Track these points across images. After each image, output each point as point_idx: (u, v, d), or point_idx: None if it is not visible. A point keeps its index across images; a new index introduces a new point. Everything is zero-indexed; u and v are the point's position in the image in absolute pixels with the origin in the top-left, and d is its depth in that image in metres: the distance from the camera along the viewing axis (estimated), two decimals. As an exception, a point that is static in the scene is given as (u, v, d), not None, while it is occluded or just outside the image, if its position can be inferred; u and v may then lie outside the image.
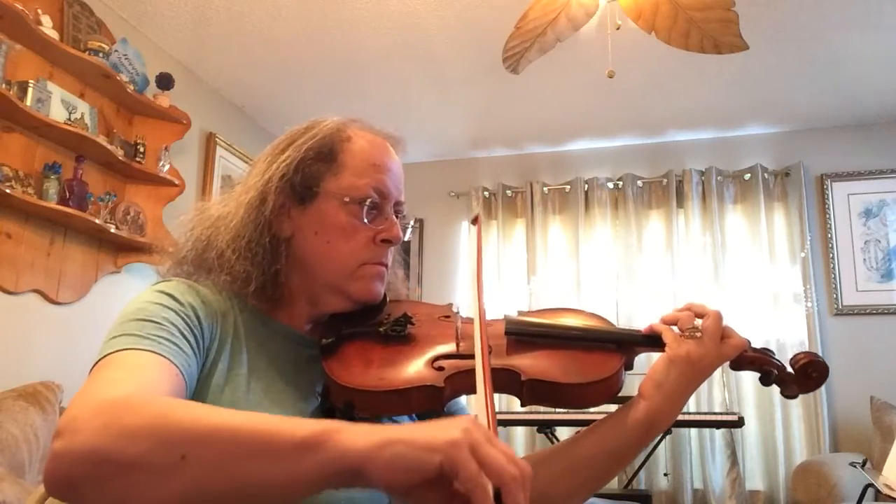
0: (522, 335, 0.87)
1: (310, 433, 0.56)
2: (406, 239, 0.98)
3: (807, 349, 3.81)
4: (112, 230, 2.90)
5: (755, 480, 3.96)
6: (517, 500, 0.52)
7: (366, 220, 0.88)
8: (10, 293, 2.61)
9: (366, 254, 0.89)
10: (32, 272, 2.69)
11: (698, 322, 0.86)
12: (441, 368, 0.81)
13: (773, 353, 0.88)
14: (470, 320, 0.89)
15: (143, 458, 0.56)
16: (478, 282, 0.84)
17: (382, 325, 0.88)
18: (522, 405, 0.83)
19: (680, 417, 3.42)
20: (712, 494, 3.87)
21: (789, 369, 0.87)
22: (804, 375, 0.86)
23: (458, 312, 0.94)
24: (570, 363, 0.83)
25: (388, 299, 0.95)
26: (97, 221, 2.81)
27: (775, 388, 0.90)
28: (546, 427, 3.47)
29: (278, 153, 0.91)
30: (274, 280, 0.87)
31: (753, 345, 0.88)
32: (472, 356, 0.78)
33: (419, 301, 1.02)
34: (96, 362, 0.71)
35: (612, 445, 0.84)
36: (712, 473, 3.91)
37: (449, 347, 0.85)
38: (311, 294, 0.90)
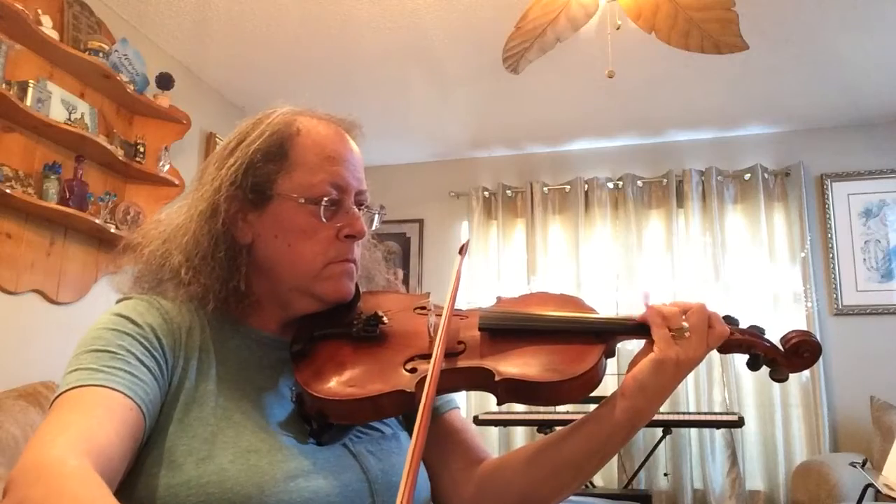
0: (497, 330, 0.83)
1: None
2: (374, 228, 0.94)
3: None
4: (112, 230, 2.90)
5: (755, 480, 3.96)
6: None
7: (324, 219, 0.84)
8: (10, 293, 2.61)
9: (330, 252, 0.85)
10: (32, 272, 2.69)
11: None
12: (414, 370, 0.78)
13: (763, 332, 0.84)
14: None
15: None
16: (447, 314, 0.80)
17: (354, 325, 0.84)
18: (498, 403, 0.80)
19: (680, 417, 3.38)
20: (712, 494, 3.87)
21: (780, 348, 0.83)
22: (795, 355, 0.82)
23: (432, 308, 0.89)
24: (546, 358, 0.79)
25: (360, 293, 0.91)
26: (97, 221, 2.81)
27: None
28: (546, 427, 3.47)
29: (227, 155, 0.87)
30: (235, 292, 0.84)
31: (742, 325, 0.84)
32: (446, 354, 0.76)
33: (394, 292, 0.98)
34: (55, 399, 0.71)
35: (596, 444, 0.82)
36: (712, 473, 3.91)
37: (422, 346, 0.82)
38: (280, 298, 0.87)
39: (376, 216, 0.94)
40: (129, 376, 0.72)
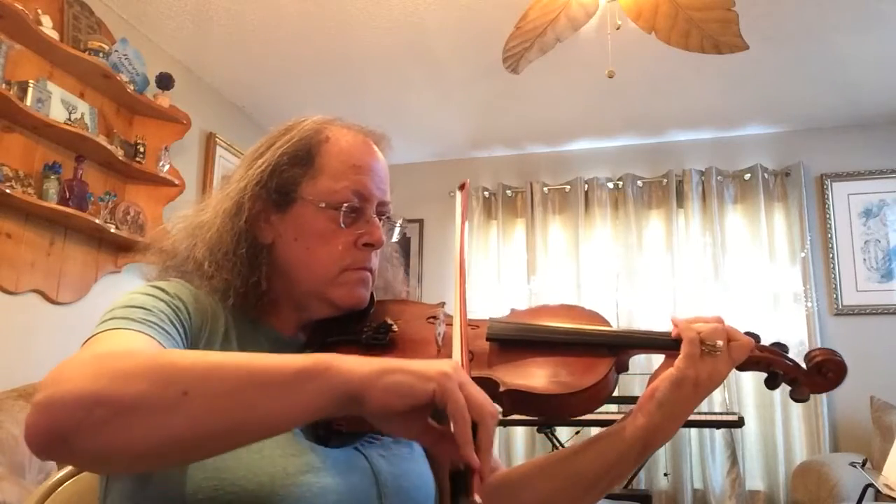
0: (506, 341, 0.83)
1: (309, 363, 0.59)
2: (394, 240, 0.95)
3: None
4: (112, 230, 2.90)
5: (755, 480, 3.96)
6: (490, 435, 0.59)
7: (343, 225, 0.85)
8: (10, 293, 2.61)
9: (347, 259, 0.86)
10: (32, 272, 2.69)
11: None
12: None
13: (785, 350, 0.82)
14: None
15: (142, 398, 0.55)
16: (460, 254, 0.81)
17: (364, 332, 0.85)
18: (504, 415, 0.78)
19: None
20: (712, 494, 3.87)
21: (802, 366, 0.80)
22: (818, 374, 0.79)
23: (443, 317, 0.89)
24: (553, 370, 0.78)
25: (375, 301, 0.91)
26: (97, 221, 2.81)
27: (776, 389, 0.84)
28: (546, 427, 3.47)
29: (256, 157, 0.89)
30: (255, 289, 0.85)
31: (763, 341, 0.82)
32: None
33: (409, 301, 0.98)
34: (86, 340, 0.71)
35: (611, 461, 0.82)
36: (712, 473, 3.91)
37: (430, 354, 0.82)
38: (296, 300, 0.88)
39: (397, 228, 0.97)
40: (162, 330, 0.74)
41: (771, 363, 0.81)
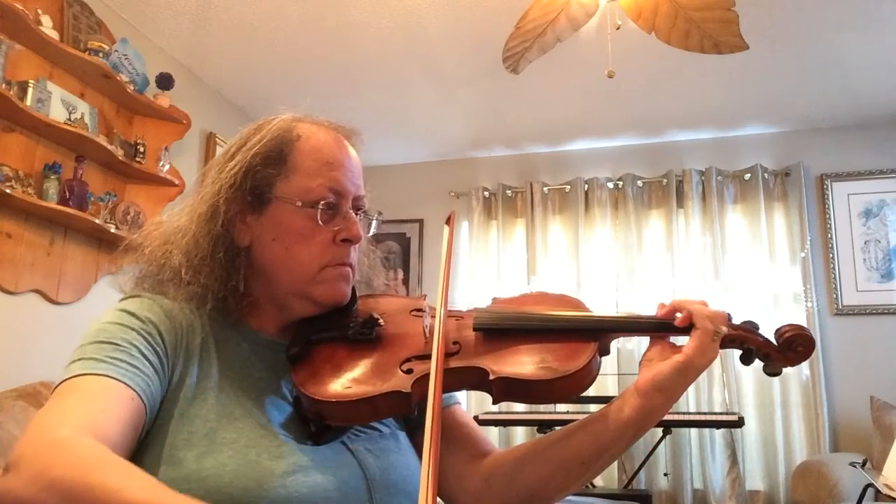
0: (491, 330, 0.85)
1: None
2: (371, 233, 0.95)
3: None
4: (112, 230, 2.90)
5: (755, 480, 3.96)
6: None
7: (320, 223, 0.86)
8: (10, 293, 2.61)
9: (326, 256, 0.86)
10: (32, 272, 2.69)
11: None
12: (410, 371, 0.79)
13: (755, 328, 0.85)
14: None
15: None
16: (444, 292, 0.82)
17: (350, 328, 0.85)
18: (494, 402, 0.81)
19: (680, 417, 3.38)
20: (712, 494, 3.87)
21: (773, 342, 0.84)
22: (789, 349, 0.83)
23: (428, 309, 0.90)
24: (540, 357, 0.81)
25: (357, 297, 0.92)
26: (97, 221, 2.81)
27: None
28: (546, 427, 3.47)
29: (228, 159, 0.89)
30: (234, 292, 0.85)
31: (735, 321, 0.85)
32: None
33: (391, 295, 0.99)
34: (57, 385, 0.72)
35: (604, 441, 0.82)
36: (712, 473, 3.91)
37: (418, 347, 0.83)
38: (278, 300, 0.88)
39: (374, 222, 0.96)
40: (132, 368, 0.74)
41: (745, 340, 0.84)
